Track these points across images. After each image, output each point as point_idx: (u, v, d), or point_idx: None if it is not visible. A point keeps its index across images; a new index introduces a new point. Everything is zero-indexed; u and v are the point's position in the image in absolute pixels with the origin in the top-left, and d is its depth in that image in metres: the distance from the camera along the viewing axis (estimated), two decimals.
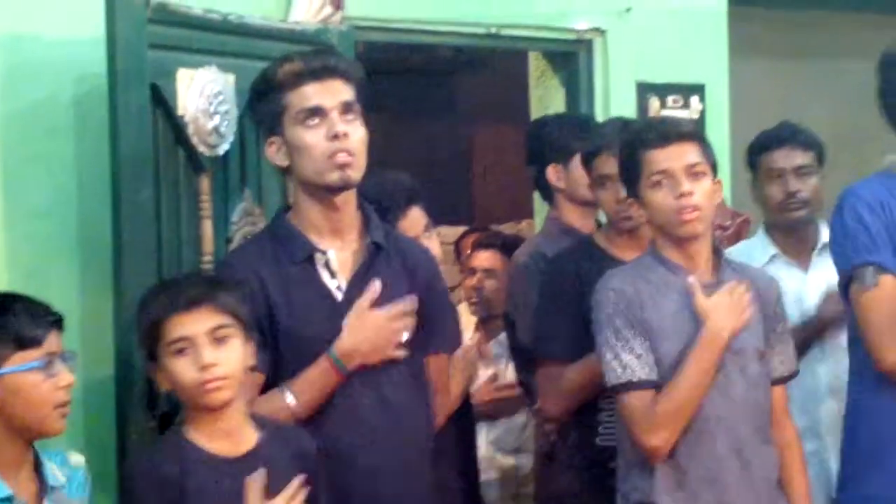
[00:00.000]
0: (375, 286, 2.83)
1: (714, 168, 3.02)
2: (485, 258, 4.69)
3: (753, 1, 5.25)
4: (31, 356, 2.44)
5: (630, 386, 2.94)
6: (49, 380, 2.45)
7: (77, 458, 2.61)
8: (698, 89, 4.88)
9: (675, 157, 2.96)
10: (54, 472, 2.52)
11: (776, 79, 5.49)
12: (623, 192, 3.19)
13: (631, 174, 3.04)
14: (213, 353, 2.55)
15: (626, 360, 2.94)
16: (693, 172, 2.96)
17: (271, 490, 2.56)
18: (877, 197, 3.12)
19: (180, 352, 2.56)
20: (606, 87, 4.80)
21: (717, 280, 3.01)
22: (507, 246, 4.58)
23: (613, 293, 2.99)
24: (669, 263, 3.01)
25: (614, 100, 4.78)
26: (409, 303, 2.88)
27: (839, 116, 5.03)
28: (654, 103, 4.80)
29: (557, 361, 3.37)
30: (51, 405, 2.46)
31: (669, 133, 3.01)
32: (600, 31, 4.79)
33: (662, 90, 4.83)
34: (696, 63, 4.89)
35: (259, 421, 2.67)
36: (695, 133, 3.04)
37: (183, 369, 2.56)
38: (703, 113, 4.74)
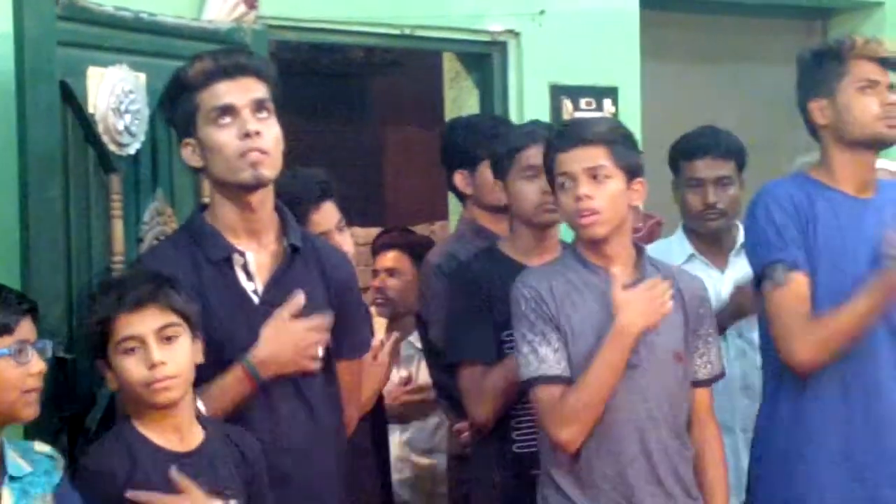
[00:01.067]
0: (299, 298, 2.81)
1: (632, 170, 3.03)
2: (388, 259, 4.68)
3: (665, 5, 5.28)
4: (2, 343, 2.43)
5: (543, 380, 2.96)
6: (20, 367, 2.45)
7: (42, 447, 2.58)
8: (611, 92, 4.91)
9: (577, 160, 2.99)
10: (16, 461, 2.50)
11: (688, 82, 5.52)
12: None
13: (548, 175, 3.07)
14: (161, 351, 2.56)
15: (543, 354, 2.96)
16: (594, 175, 2.97)
17: (218, 487, 2.58)
18: (789, 196, 3.19)
19: (129, 351, 2.57)
20: (520, 88, 4.80)
21: (639, 278, 3.03)
22: (413, 246, 4.58)
23: (528, 290, 3.01)
24: (588, 263, 3.03)
25: (528, 102, 4.78)
26: (327, 317, 2.86)
27: (750, 120, 5.06)
28: (567, 105, 4.81)
29: (477, 364, 3.35)
30: (19, 391, 2.45)
31: (574, 136, 3.04)
32: (514, 33, 4.79)
33: (575, 92, 4.84)
34: (609, 66, 4.91)
35: (202, 419, 2.68)
36: (602, 136, 3.02)
37: (132, 368, 2.57)
38: (615, 115, 4.76)
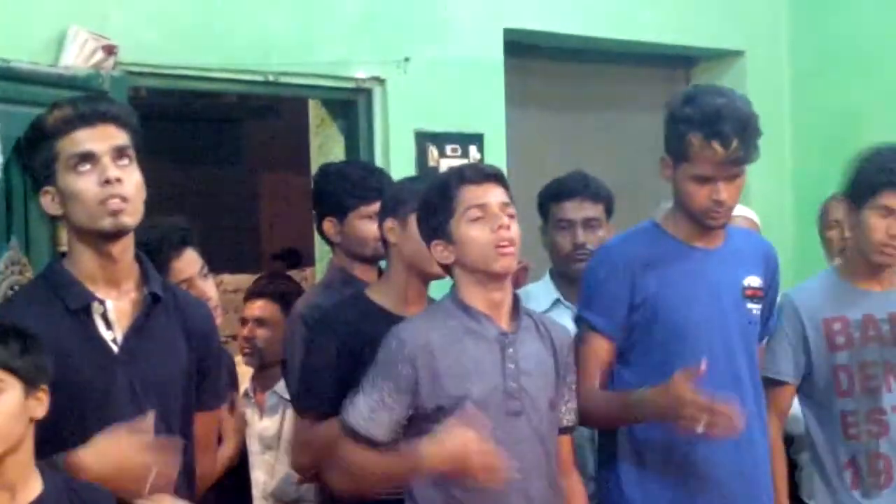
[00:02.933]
0: (149, 418, 2.71)
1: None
2: (257, 307, 4.63)
3: (530, 52, 5.34)
4: None
5: (351, 428, 2.96)
6: None
7: None
8: (476, 139, 4.94)
9: (492, 193, 3.00)
10: None
11: (553, 128, 5.58)
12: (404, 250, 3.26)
13: (440, 213, 3.01)
14: None
15: (360, 406, 2.96)
16: (508, 212, 2.99)
17: None
18: (626, 255, 3.25)
19: None
20: (386, 135, 4.81)
21: (517, 328, 3.04)
22: (283, 295, 4.53)
23: (396, 344, 2.97)
24: (472, 310, 3.01)
25: (394, 148, 4.79)
26: (175, 441, 2.75)
27: (614, 166, 5.12)
28: (432, 152, 4.84)
29: (313, 415, 3.33)
30: None
31: (485, 171, 3.07)
32: (379, 80, 4.80)
33: (441, 139, 4.87)
34: (474, 113, 4.95)
35: (46, 474, 2.59)
36: (503, 176, 3.07)
37: None
38: (481, 162, 4.78)
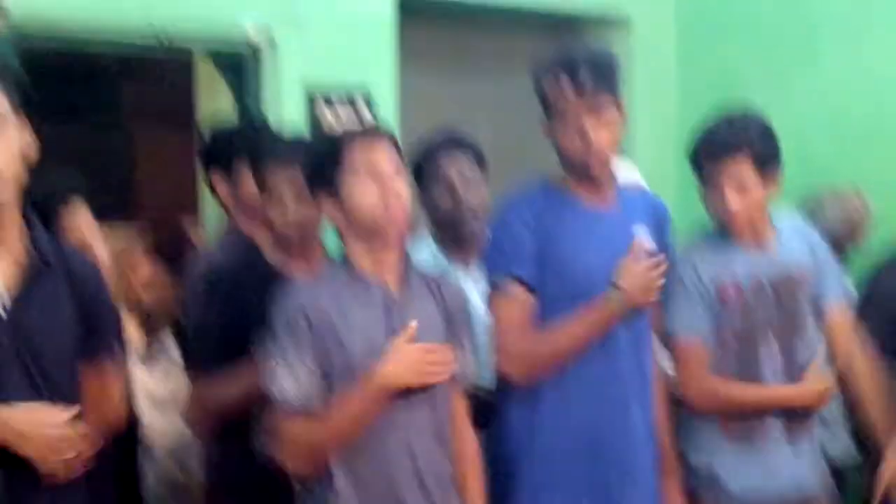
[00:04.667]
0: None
1: None
2: (144, 266, 4.58)
3: (422, 11, 5.32)
4: None
5: (284, 407, 2.91)
6: None
7: None
8: (366, 96, 4.92)
9: (382, 152, 2.97)
10: None
11: (444, 87, 5.57)
12: (293, 209, 3.26)
13: (329, 171, 2.98)
14: None
15: (282, 381, 2.90)
16: (396, 171, 2.97)
17: None
18: (531, 207, 3.23)
19: None
20: (276, 92, 4.78)
21: (406, 288, 3.02)
22: (169, 253, 4.48)
23: (291, 307, 2.93)
24: (359, 272, 2.98)
25: (284, 106, 4.76)
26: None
27: (503, 128, 5.15)
28: (323, 109, 4.81)
29: (206, 374, 3.30)
30: None
31: (375, 130, 3.04)
32: (269, 37, 4.75)
33: (330, 97, 4.84)
34: (365, 71, 4.93)
35: None
36: (394, 135, 3.04)
37: None
38: (373, 120, 4.76)
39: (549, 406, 3.25)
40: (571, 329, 3.17)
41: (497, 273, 3.24)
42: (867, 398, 3.66)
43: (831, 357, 3.65)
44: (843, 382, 3.66)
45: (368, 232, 2.96)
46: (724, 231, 3.53)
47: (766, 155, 3.45)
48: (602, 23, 6.01)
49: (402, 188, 2.97)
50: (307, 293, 2.96)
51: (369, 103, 4.91)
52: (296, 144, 3.40)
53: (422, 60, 5.40)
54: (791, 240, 3.59)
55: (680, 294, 3.48)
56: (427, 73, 5.47)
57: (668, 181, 5.09)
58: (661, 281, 3.00)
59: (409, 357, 2.89)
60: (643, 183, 4.19)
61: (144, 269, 4.56)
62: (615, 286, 3.16)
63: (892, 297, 3.84)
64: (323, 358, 2.91)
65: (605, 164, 3.24)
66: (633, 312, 3.24)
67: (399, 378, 2.89)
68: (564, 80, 3.14)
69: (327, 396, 2.90)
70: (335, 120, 4.78)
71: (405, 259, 3.07)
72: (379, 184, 2.93)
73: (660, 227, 3.40)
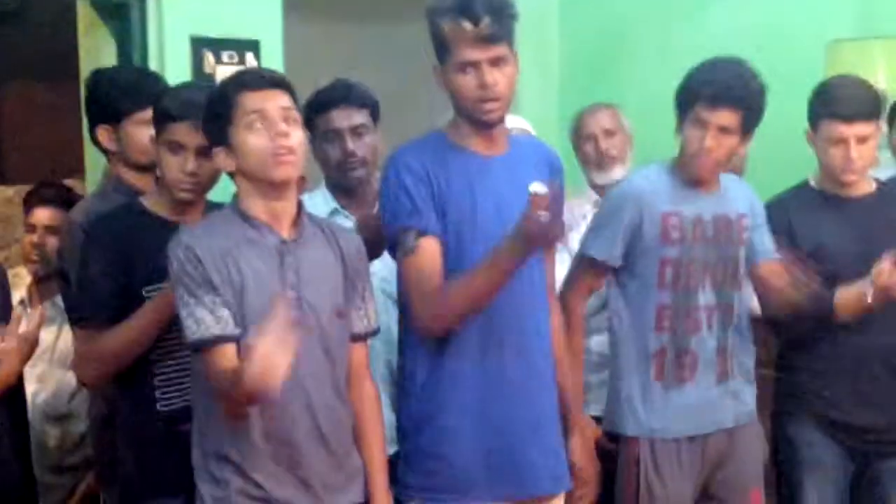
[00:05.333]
0: None
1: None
2: (45, 215, 4.51)
3: None
4: None
5: (203, 343, 2.88)
6: None
7: None
8: (253, 45, 4.85)
9: (273, 99, 2.95)
10: None
11: (330, 37, 5.54)
12: (192, 163, 3.21)
13: (220, 120, 2.97)
14: None
15: (200, 316, 2.88)
16: (287, 118, 2.95)
17: None
18: (421, 159, 3.22)
19: None
20: (161, 41, 4.68)
21: (300, 236, 3.01)
22: (69, 202, 4.40)
23: (183, 251, 2.91)
24: (251, 219, 2.98)
25: (169, 54, 4.67)
26: None
27: (390, 79, 5.12)
28: (209, 59, 4.74)
29: (91, 325, 3.27)
30: None
31: (265, 77, 3.00)
32: None
33: (217, 45, 4.76)
34: (251, 20, 4.84)
35: None
36: (287, 82, 3.03)
37: None
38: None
39: (453, 357, 3.24)
40: (479, 278, 3.11)
41: (398, 228, 3.20)
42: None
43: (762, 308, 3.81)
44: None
45: (261, 179, 2.95)
46: (680, 168, 3.66)
47: (753, 116, 3.60)
48: None
49: (296, 135, 2.95)
50: (198, 235, 2.95)
51: (256, 52, 4.85)
52: (192, 94, 3.37)
53: (309, 8, 5.35)
54: (736, 190, 3.77)
55: (612, 222, 3.63)
56: (314, 22, 5.43)
57: (550, 131, 5.12)
58: (559, 225, 3.01)
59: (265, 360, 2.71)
60: (532, 131, 4.23)
61: (47, 216, 4.49)
62: (515, 232, 3.15)
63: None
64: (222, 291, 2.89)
65: (502, 108, 3.22)
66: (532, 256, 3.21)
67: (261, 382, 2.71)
68: (465, 24, 3.11)
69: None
70: (221, 69, 4.72)
71: (299, 207, 3.05)
72: (272, 131, 2.92)
73: (552, 176, 3.40)
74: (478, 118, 3.21)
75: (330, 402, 3.04)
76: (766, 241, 3.82)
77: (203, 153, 3.19)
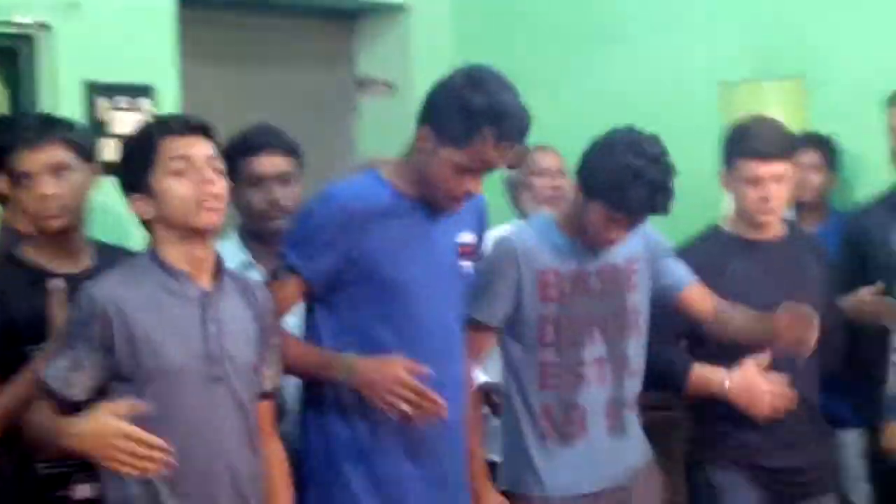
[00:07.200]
0: None
1: None
2: None
3: (202, 3, 5.20)
4: None
5: (42, 388, 2.85)
6: None
7: None
8: (148, 91, 4.75)
9: (197, 145, 2.88)
10: None
11: (227, 82, 5.46)
12: (49, 188, 3.13)
13: (139, 165, 2.89)
14: None
15: (60, 363, 2.83)
16: (214, 166, 2.89)
17: None
18: (349, 203, 3.17)
19: None
20: (53, 85, 4.56)
21: (218, 288, 2.95)
22: None
23: (87, 300, 2.83)
24: (171, 268, 2.90)
25: (61, 99, 4.54)
26: None
27: (287, 124, 5.06)
28: (102, 104, 4.64)
29: None
30: None
31: (190, 124, 2.93)
32: (45, 27, 4.54)
33: (111, 91, 4.66)
34: (146, 64, 4.75)
35: None
36: (211, 131, 2.96)
37: None
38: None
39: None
40: (310, 360, 3.20)
41: (284, 251, 3.21)
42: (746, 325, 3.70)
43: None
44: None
45: (183, 226, 2.88)
46: (559, 223, 3.56)
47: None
48: (378, 12, 5.98)
49: (220, 184, 2.89)
50: (108, 287, 2.86)
51: (152, 97, 4.76)
52: (45, 123, 3.28)
53: (204, 53, 5.27)
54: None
55: (496, 281, 3.48)
56: (210, 67, 5.36)
57: None
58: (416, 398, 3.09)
59: (106, 431, 2.72)
60: None
61: None
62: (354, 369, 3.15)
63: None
64: (123, 357, 2.81)
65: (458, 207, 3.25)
66: None
67: (82, 445, 2.75)
68: (503, 141, 3.09)
69: (113, 397, 2.81)
70: (115, 115, 4.63)
71: (217, 257, 2.99)
72: (197, 178, 2.85)
73: (479, 222, 3.41)
74: (437, 204, 3.23)
75: (249, 460, 2.97)
76: (677, 270, 3.71)
77: (54, 172, 3.13)
